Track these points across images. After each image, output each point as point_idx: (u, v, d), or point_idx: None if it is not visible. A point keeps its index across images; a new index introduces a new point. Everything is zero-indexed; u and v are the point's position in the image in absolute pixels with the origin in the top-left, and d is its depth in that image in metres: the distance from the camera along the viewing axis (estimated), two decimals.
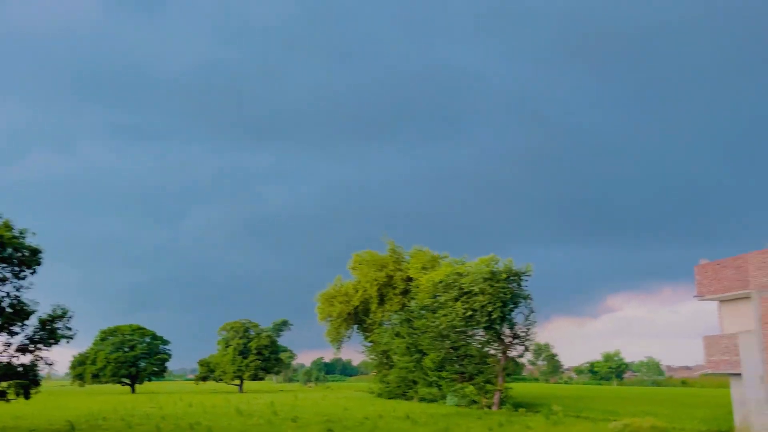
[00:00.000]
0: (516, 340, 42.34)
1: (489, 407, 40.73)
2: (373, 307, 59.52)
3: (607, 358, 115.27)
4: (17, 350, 22.42)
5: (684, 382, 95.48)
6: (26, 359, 22.67)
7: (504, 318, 41.46)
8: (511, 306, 41.30)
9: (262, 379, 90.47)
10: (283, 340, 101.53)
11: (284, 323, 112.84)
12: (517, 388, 63.50)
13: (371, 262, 59.52)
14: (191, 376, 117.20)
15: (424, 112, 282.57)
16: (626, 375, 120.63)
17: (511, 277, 41.01)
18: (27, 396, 22.43)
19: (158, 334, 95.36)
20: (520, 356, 44.06)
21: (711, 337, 25.54)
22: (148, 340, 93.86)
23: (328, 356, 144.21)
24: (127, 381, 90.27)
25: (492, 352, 44.12)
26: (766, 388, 21.88)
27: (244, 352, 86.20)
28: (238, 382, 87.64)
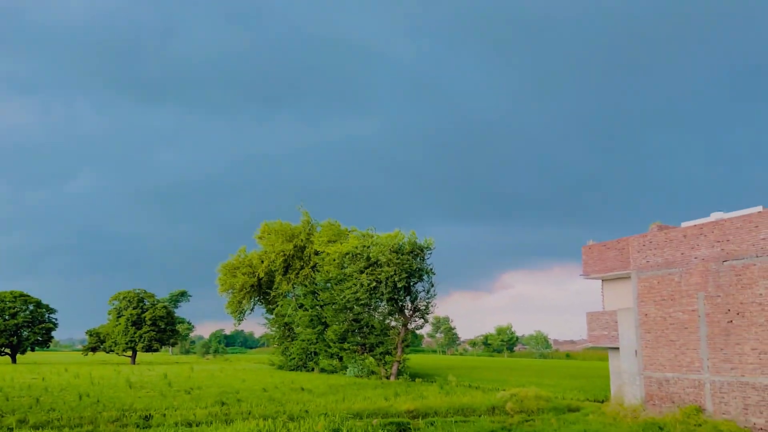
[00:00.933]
0: (416, 313, 43.58)
1: (387, 378, 41.73)
2: (278, 278, 58.72)
3: (500, 331, 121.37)
4: None
5: (568, 355, 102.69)
6: None
7: (408, 290, 42.52)
8: (415, 279, 42.40)
9: (157, 350, 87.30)
10: (181, 312, 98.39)
11: (182, 294, 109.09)
12: (415, 360, 65.50)
13: (280, 232, 58.45)
14: (80, 347, 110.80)
15: (328, 82, 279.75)
16: (517, 348, 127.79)
17: (415, 251, 42.01)
18: None
19: (43, 302, 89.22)
20: (420, 328, 45.44)
21: (593, 314, 27.44)
22: (31, 307, 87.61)
23: (229, 328, 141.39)
24: (7, 351, 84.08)
25: (393, 324, 45.12)
26: (638, 361, 23.88)
27: (137, 323, 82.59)
28: (130, 353, 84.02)
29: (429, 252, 42.78)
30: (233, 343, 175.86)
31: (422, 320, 43.97)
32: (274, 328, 62.74)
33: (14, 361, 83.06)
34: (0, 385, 34.49)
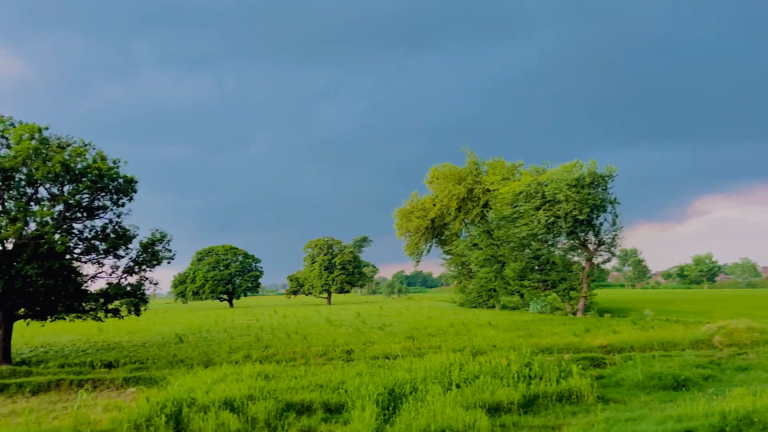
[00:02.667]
0: (602, 247, 41.34)
1: (573, 314, 40.65)
2: (451, 219, 59.58)
3: (698, 261, 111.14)
4: (124, 272, 24.30)
5: None
6: (133, 280, 24.58)
7: (590, 224, 40.44)
8: (598, 212, 40.13)
9: (347, 291, 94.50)
10: (364, 256, 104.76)
11: (364, 239, 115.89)
12: (603, 295, 62.66)
13: (449, 175, 58.85)
14: (282, 291, 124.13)
15: (477, 16, 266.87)
16: (718, 278, 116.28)
17: (596, 182, 39.56)
18: (138, 313, 24.50)
19: (249, 253, 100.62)
20: (606, 262, 43.08)
21: None
22: (240, 258, 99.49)
23: (409, 269, 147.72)
24: (225, 297, 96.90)
25: (576, 259, 43.42)
26: None
27: (329, 267, 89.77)
28: (325, 295, 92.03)
29: (611, 180, 40.02)
30: (414, 283, 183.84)
31: (608, 254, 41.64)
32: (451, 268, 64.23)
33: (231, 305, 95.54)
34: (224, 326, 40.06)
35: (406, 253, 66.57)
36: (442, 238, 63.73)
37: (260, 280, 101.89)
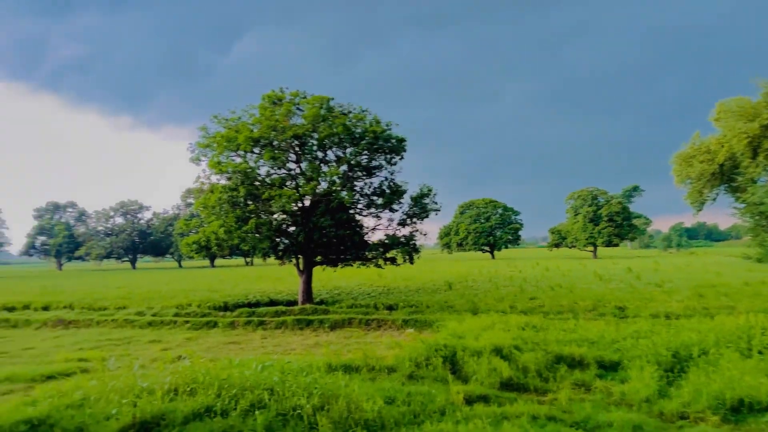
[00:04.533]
0: None
1: None
2: (745, 163, 50.84)
3: None
4: (398, 224, 26.61)
5: None
6: (406, 231, 26.75)
7: None
8: None
9: (616, 245, 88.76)
10: (635, 207, 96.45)
11: (635, 189, 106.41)
12: None
13: (739, 111, 50.06)
14: (543, 244, 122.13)
15: None
16: None
17: None
18: (411, 261, 26.65)
19: (508, 206, 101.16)
20: None
21: None
22: (500, 211, 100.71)
23: (689, 221, 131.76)
24: (487, 248, 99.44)
25: None
26: None
27: (594, 220, 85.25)
28: (591, 248, 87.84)
29: None
30: (695, 236, 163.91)
31: None
32: (746, 219, 55.16)
33: (493, 256, 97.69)
34: (488, 276, 41.18)
35: (687, 202, 59.25)
36: (734, 184, 54.99)
37: (520, 233, 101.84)
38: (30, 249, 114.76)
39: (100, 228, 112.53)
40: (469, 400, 9.86)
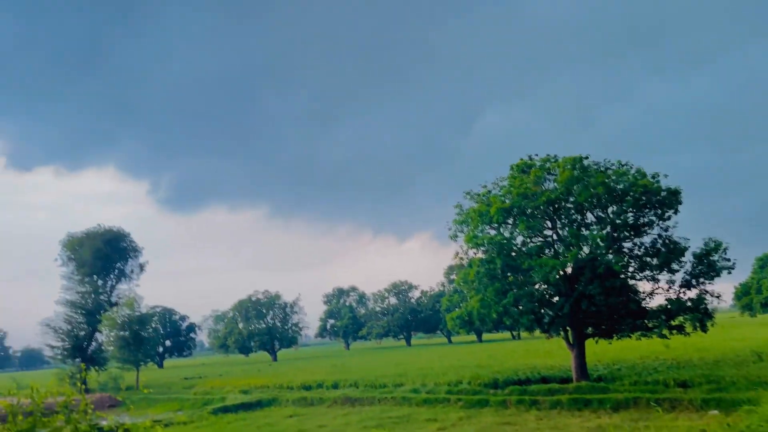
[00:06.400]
0: None
1: None
2: None
3: None
4: (681, 286, 23.23)
5: None
6: (692, 294, 23.19)
7: None
8: None
9: None
10: None
11: None
12: None
13: None
14: None
15: None
16: None
17: None
18: (704, 329, 22.82)
19: None
20: None
21: None
22: None
23: None
24: None
25: None
26: None
27: None
28: None
29: None
30: None
31: None
32: None
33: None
34: None
35: None
36: None
37: None
38: (323, 331, 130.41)
39: (377, 309, 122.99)
40: None
